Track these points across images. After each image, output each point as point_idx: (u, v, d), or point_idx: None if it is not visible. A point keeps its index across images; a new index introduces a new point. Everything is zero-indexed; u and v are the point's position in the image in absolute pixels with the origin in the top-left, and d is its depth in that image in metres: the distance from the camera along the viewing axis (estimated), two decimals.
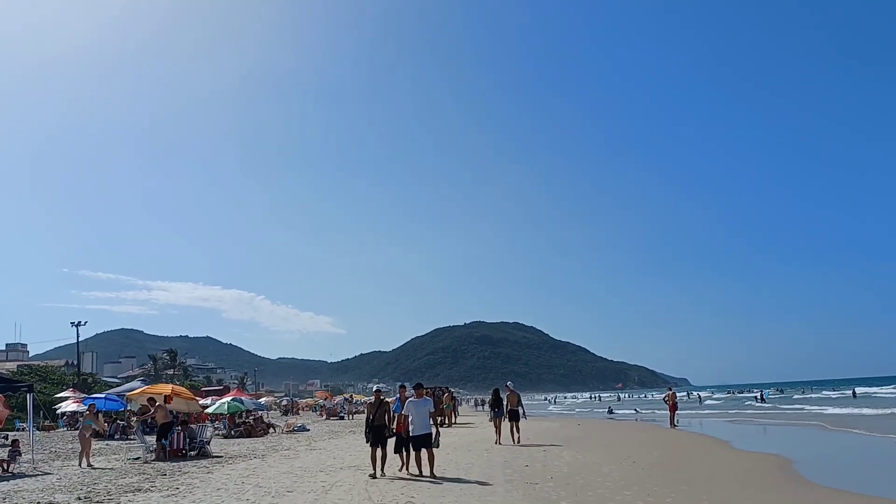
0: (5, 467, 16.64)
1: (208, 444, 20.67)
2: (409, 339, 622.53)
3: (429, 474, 13.47)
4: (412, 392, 14.02)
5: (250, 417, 33.05)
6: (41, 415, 51.68)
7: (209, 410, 34.66)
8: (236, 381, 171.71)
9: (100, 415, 35.37)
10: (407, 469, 14.14)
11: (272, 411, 71.37)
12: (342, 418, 51.63)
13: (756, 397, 75.82)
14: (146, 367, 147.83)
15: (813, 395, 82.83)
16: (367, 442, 13.87)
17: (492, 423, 22.91)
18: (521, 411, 22.17)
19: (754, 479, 13.47)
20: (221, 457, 19.96)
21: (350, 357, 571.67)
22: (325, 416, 53.95)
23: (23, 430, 42.84)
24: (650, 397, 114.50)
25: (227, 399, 34.41)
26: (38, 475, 15.78)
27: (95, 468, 17.09)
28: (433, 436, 13.73)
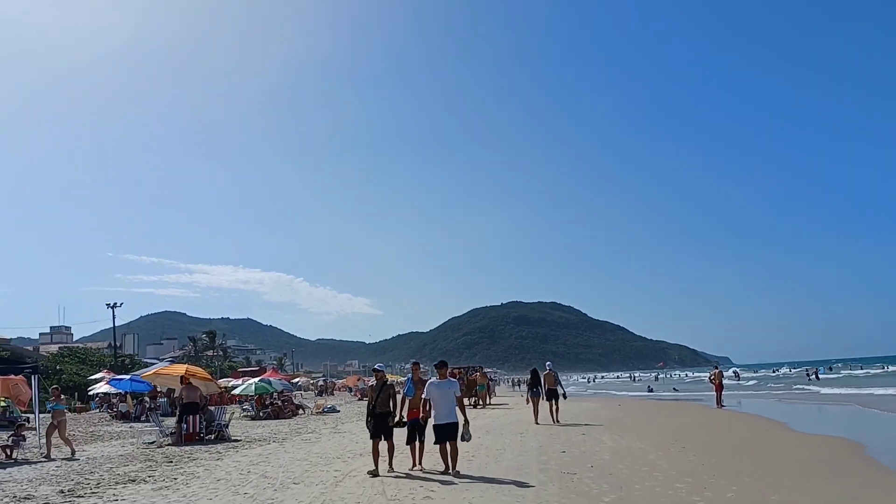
0: (8, 453, 15.74)
1: (227, 428, 19.63)
2: (447, 319, 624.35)
3: (451, 471, 11.14)
4: (427, 372, 12.04)
5: (279, 399, 32.10)
6: (75, 396, 51.81)
7: (236, 392, 33.86)
8: (275, 362, 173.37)
9: (128, 396, 35.01)
10: (420, 465, 11.88)
11: (308, 391, 71.03)
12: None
13: (808, 375, 72.34)
14: (186, 348, 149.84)
15: (872, 373, 79.25)
16: (369, 431, 11.70)
17: (529, 403, 22.70)
18: (560, 391, 21.99)
19: (823, 467, 11.86)
20: (240, 440, 18.92)
21: (388, 338, 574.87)
22: (358, 397, 53.08)
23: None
24: (691, 376, 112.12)
25: (254, 380, 33.52)
26: (39, 462, 14.82)
27: (73, 458, 15.67)
28: (460, 426, 11.17)
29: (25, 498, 9.53)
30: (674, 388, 62.62)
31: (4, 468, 13.71)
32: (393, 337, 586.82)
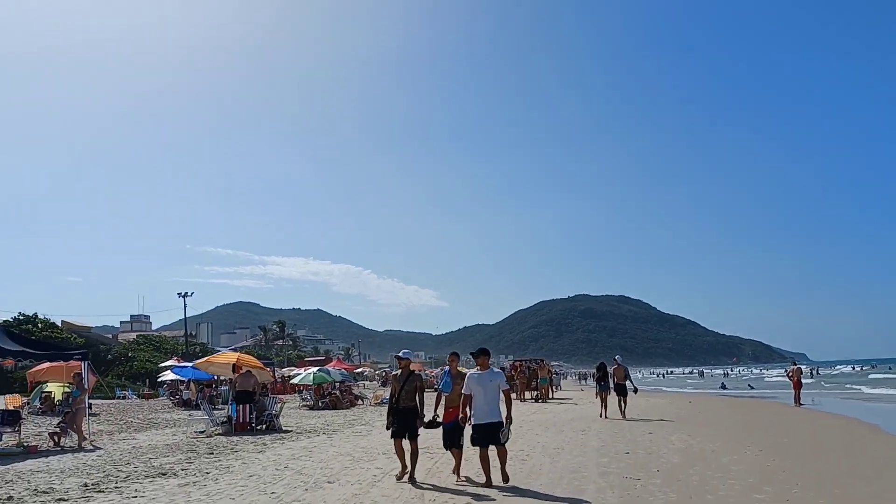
0: (56, 440, 15.51)
1: (278, 418, 19.11)
2: (513, 312, 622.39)
3: (501, 478, 9.42)
4: (465, 364, 10.81)
5: (338, 389, 31.67)
6: (146, 383, 52.94)
7: (295, 381, 33.61)
8: (342, 352, 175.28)
9: (191, 383, 35.20)
10: (458, 473, 10.08)
11: (372, 381, 71.00)
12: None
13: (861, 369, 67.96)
14: (258, 337, 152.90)
15: None
16: (387, 430, 10.01)
17: (597, 397, 22.43)
18: (629, 386, 21.49)
19: None
20: (290, 431, 18.38)
21: (454, 330, 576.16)
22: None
23: (123, 397, 43.53)
24: (764, 373, 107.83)
25: (313, 370, 33.18)
26: (83, 451, 14.50)
27: (91, 449, 15.21)
28: (504, 426, 9.32)
29: (45, 492, 9.03)
30: (749, 385, 60.04)
31: (47, 456, 13.41)
32: (459, 329, 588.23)
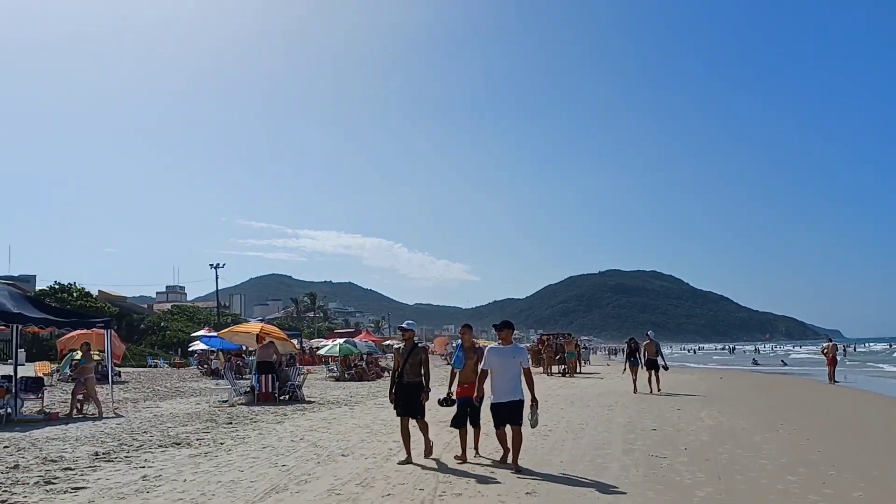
0: (79, 408, 15.51)
1: (300, 389, 18.98)
2: (543, 286, 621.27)
3: (512, 465, 8.60)
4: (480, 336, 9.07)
5: (363, 360, 31.59)
6: (178, 352, 53.55)
7: (321, 352, 33.62)
8: (372, 325, 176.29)
9: (220, 353, 35.40)
10: (476, 451, 9.43)
11: None
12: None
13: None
14: (289, 309, 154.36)
15: None
16: (395, 409, 9.18)
17: (627, 372, 22.31)
18: (660, 362, 21.38)
19: None
20: (312, 402, 18.25)
21: (484, 304, 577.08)
22: (446, 361, 52.43)
23: (155, 365, 44.00)
24: (794, 350, 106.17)
25: (339, 341, 33.11)
26: (103, 419, 14.46)
27: (112, 416, 15.14)
28: (526, 406, 8.61)
29: (53, 460, 8.87)
30: (781, 361, 58.99)
31: (67, 424, 13.36)
32: (489, 303, 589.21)
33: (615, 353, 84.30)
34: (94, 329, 19.61)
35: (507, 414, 8.55)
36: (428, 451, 9.31)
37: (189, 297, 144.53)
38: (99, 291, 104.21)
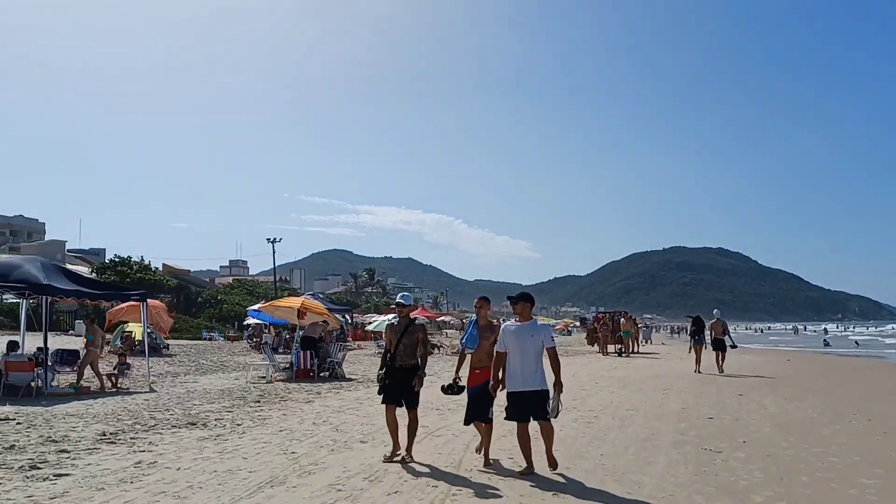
0: (114, 381, 15.25)
1: (341, 366, 18.42)
2: (605, 263, 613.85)
3: (547, 463, 7.22)
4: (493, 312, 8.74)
5: None
6: (234, 325, 54.11)
7: (369, 328, 33.20)
8: (430, 301, 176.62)
9: (271, 328, 35.36)
10: (486, 455, 7.62)
11: (454, 330, 70.64)
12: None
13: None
14: (348, 284, 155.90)
15: None
16: (379, 393, 7.80)
17: (691, 351, 21.99)
18: (727, 341, 20.85)
19: None
20: (352, 380, 17.66)
21: (544, 281, 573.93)
22: None
23: (210, 339, 44.42)
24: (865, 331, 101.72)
25: (388, 317, 32.55)
26: (134, 394, 14.13)
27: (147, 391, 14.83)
28: (553, 396, 7.12)
29: (55, 440, 8.35)
30: (855, 343, 56.26)
31: (96, 399, 13.04)
32: (549, 280, 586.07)
33: (678, 332, 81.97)
34: (139, 302, 19.36)
35: (527, 405, 7.03)
36: (407, 454, 7.62)
37: (252, 272, 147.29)
38: (163, 265, 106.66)
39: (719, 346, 20.84)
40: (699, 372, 20.42)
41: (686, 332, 34.77)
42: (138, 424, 9.78)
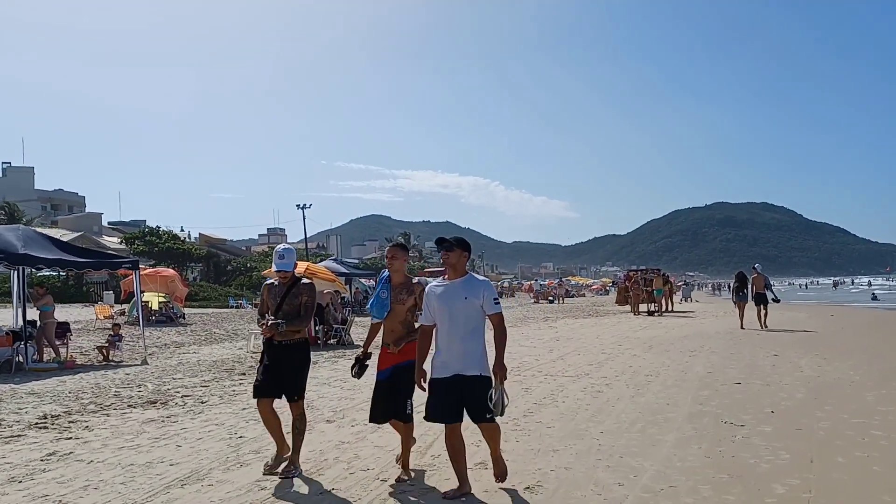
0: (105, 354, 14.51)
1: (347, 333, 17.47)
2: (645, 221, 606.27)
3: (497, 475, 5.26)
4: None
5: None
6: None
7: None
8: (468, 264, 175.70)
9: None
10: (404, 464, 5.53)
11: None
12: (551, 302, 47.72)
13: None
14: (384, 249, 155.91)
15: None
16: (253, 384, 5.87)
17: (735, 307, 21.90)
18: (769, 295, 20.75)
19: None
20: (358, 347, 16.68)
21: (583, 241, 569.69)
22: (535, 300, 50.39)
23: (238, 306, 44.01)
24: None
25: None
26: (124, 367, 13.35)
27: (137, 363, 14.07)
28: (494, 387, 4.88)
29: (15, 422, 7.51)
30: None
31: (77, 373, 12.28)
32: (589, 240, 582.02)
33: (719, 289, 79.85)
34: (132, 270, 18.62)
35: (455, 401, 4.85)
36: (289, 468, 5.56)
37: (290, 240, 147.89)
38: (200, 234, 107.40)
39: (761, 301, 20.55)
40: (743, 328, 20.07)
41: (728, 288, 33.14)
42: (93, 404, 8.90)
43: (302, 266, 18.26)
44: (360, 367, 5.77)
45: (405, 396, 5.38)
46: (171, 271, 29.18)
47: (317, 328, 16.87)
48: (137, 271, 15.60)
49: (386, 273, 5.61)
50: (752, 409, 8.28)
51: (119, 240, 54.89)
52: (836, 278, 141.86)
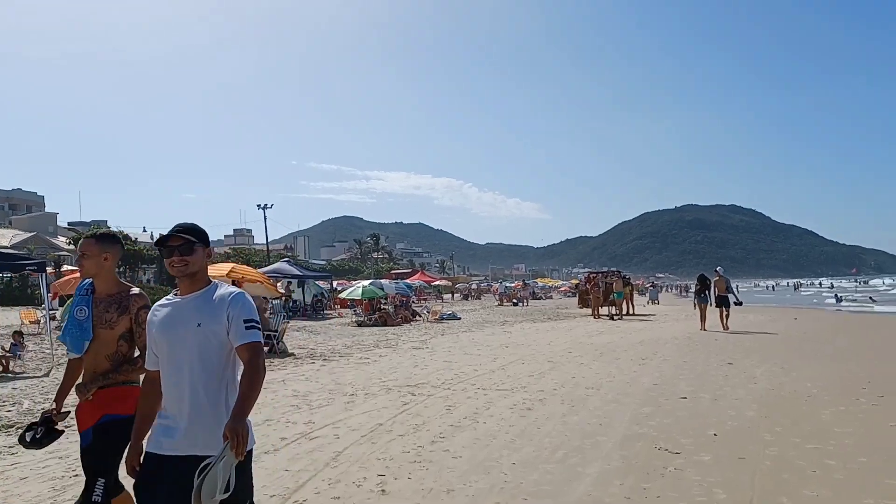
0: (5, 365, 13.20)
1: (280, 341, 16.29)
2: (616, 223, 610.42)
3: None
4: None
5: (388, 303, 28.88)
6: None
7: (342, 295, 31.18)
8: (437, 265, 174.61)
9: None
10: None
11: (454, 296, 68.50)
12: (516, 304, 46.80)
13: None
14: (353, 250, 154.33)
15: None
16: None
17: (696, 309, 21.80)
18: (731, 298, 21.13)
19: None
20: (292, 356, 15.56)
21: (556, 242, 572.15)
22: (500, 302, 49.40)
23: None
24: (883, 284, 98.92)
25: (364, 283, 30.46)
26: (23, 378, 12.11)
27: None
28: (218, 458, 2.59)
29: None
30: (870, 298, 53.71)
31: None
32: (561, 241, 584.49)
33: (687, 291, 79.60)
34: (38, 272, 17.23)
35: (170, 489, 2.78)
36: None
37: (257, 240, 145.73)
38: (160, 235, 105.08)
39: (722, 303, 20.83)
40: (704, 330, 20.30)
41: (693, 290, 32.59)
42: None
43: (226, 267, 17.10)
44: (42, 432, 3.75)
45: (98, 473, 3.49)
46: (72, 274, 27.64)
47: None
48: (44, 274, 14.31)
49: (88, 281, 3.79)
50: (694, 430, 7.32)
51: (67, 241, 53.01)
52: (797, 280, 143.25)
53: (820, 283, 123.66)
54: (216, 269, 17.38)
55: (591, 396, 9.53)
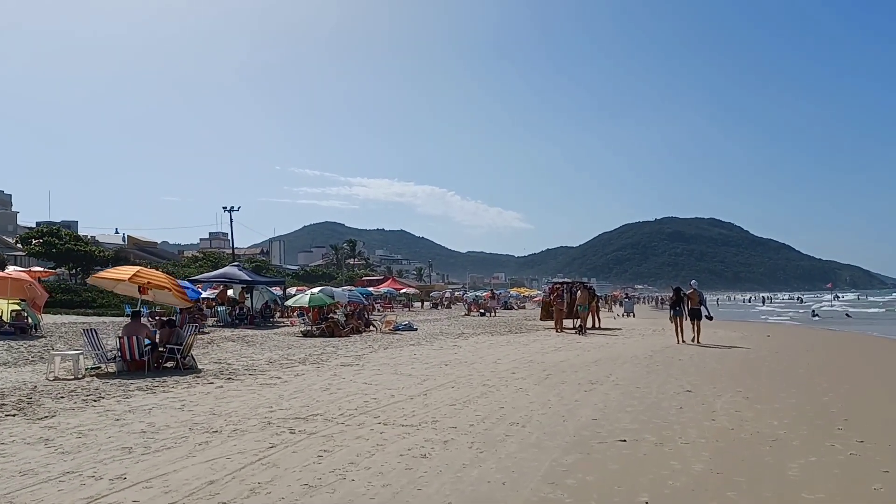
0: None
1: (185, 355, 14.36)
2: (597, 234, 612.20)
3: None
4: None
5: (337, 313, 26.98)
6: None
7: (288, 303, 29.31)
8: (415, 272, 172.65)
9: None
10: None
11: (426, 303, 66.58)
12: (483, 314, 45.04)
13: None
14: (329, 256, 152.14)
15: None
16: None
17: (672, 322, 21.68)
18: (703, 312, 21.06)
19: None
20: (202, 372, 13.68)
21: (537, 252, 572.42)
22: (468, 312, 47.59)
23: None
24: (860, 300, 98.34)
25: (313, 290, 28.57)
26: None
27: None
28: None
29: None
30: (846, 314, 52.66)
31: None
32: (542, 251, 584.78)
33: (662, 303, 78.30)
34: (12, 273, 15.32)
35: None
36: None
37: (238, 245, 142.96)
38: (128, 237, 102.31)
39: (695, 316, 20.88)
40: (683, 341, 20.51)
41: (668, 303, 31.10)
42: None
43: (131, 270, 15.20)
44: None
45: None
46: (24, 274, 25.56)
47: (144, 348, 13.79)
48: None
49: None
50: (621, 495, 5.60)
51: (14, 240, 50.63)
52: (766, 294, 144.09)
53: (799, 299, 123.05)
54: (120, 272, 15.43)
55: (509, 437, 7.78)
